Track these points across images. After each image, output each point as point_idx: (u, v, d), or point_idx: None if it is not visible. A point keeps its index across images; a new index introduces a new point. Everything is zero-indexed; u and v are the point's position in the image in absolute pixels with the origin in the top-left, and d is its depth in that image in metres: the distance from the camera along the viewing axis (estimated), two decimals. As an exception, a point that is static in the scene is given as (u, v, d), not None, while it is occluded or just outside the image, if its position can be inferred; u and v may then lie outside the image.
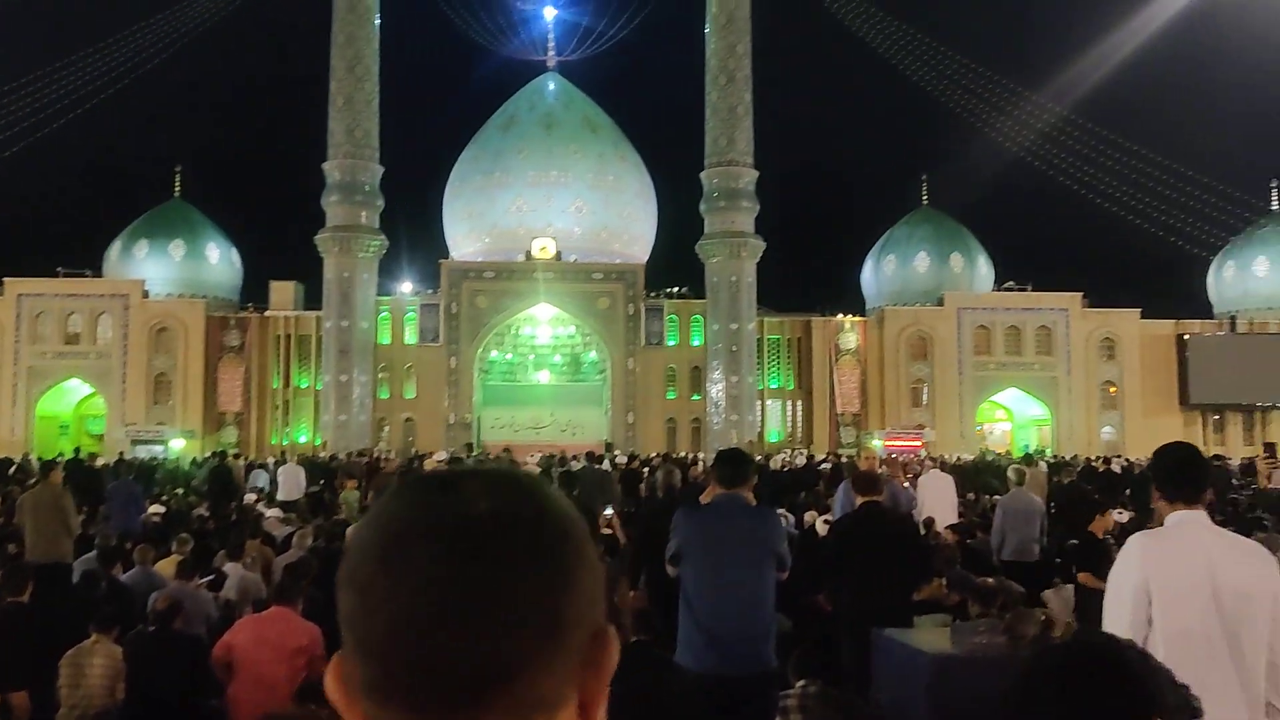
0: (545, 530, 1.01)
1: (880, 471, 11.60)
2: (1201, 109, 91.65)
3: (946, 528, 12.57)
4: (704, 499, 5.56)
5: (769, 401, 56.90)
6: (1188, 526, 3.50)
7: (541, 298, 56.15)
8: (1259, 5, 66.12)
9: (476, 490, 1.02)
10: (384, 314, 55.94)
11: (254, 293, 58.29)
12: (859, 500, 6.87)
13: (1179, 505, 3.53)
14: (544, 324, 59.83)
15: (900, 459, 29.35)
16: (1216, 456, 35.86)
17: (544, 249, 56.99)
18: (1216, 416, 57.59)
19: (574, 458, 27.74)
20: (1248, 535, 9.45)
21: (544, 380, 60.21)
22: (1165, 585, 3.38)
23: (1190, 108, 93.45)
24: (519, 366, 60.65)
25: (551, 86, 65.64)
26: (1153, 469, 3.71)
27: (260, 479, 27.33)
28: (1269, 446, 26.82)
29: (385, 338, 55.67)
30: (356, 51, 53.97)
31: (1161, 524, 3.57)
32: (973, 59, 58.13)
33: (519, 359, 60.65)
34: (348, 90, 53.67)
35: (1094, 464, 28.49)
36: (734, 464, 5.01)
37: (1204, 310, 62.90)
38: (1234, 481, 21.77)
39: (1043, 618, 4.30)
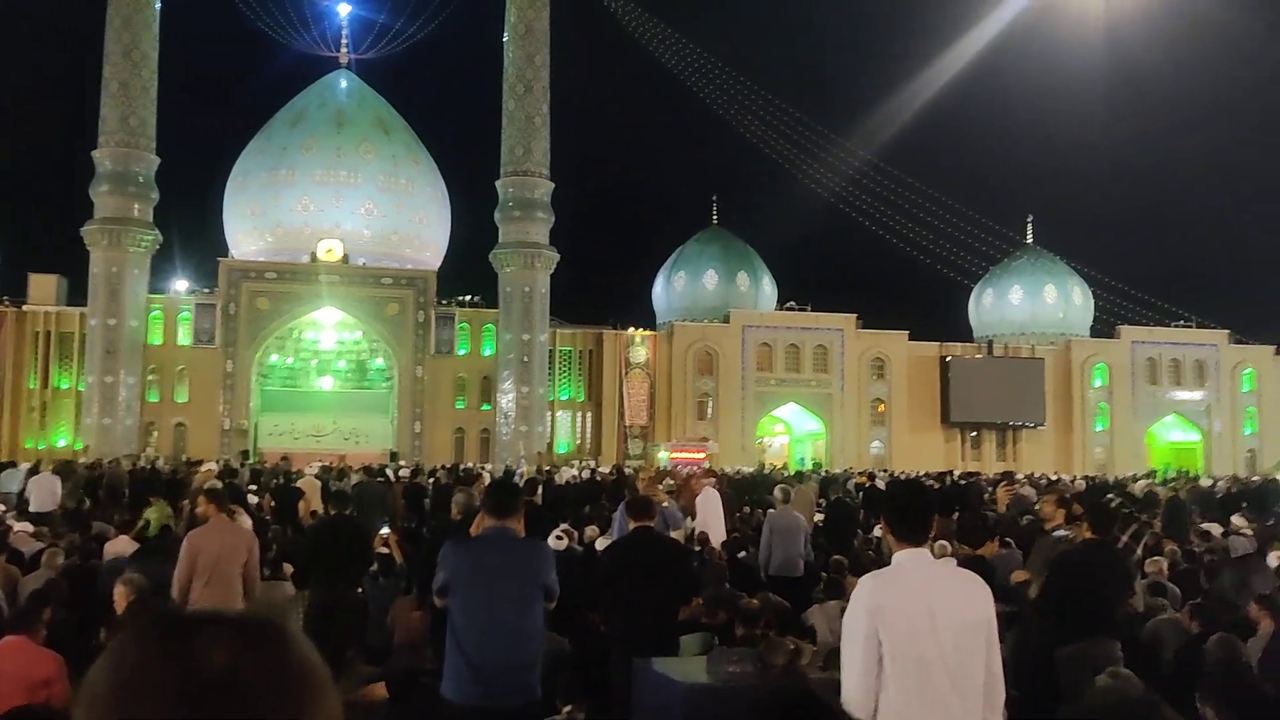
0: (282, 684, 1.01)
1: (661, 494, 11.90)
2: (969, 148, 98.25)
3: (722, 544, 13.01)
4: (473, 530, 5.58)
5: (559, 413, 57.13)
6: (910, 565, 3.76)
7: (326, 301, 54.48)
8: (1023, 58, 71.60)
9: (215, 640, 1.01)
10: (155, 312, 52.89)
11: (11, 285, 53.97)
12: (631, 525, 7.06)
13: (905, 544, 3.80)
14: (329, 328, 58.04)
15: (688, 473, 30.11)
16: (970, 473, 38.46)
17: (330, 251, 55.34)
18: (974, 434, 61.72)
19: (353, 469, 27.01)
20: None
21: (327, 386, 58.37)
22: (893, 625, 3.63)
23: (959, 146, 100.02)
24: (300, 372, 58.53)
25: (344, 84, 63.83)
26: (884, 508, 3.99)
27: (12, 481, 25.18)
28: (1007, 475, 28.81)
29: (156, 338, 52.66)
30: (134, 36, 50.94)
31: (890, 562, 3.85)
32: (765, 88, 60.48)
33: (300, 364, 58.53)
34: (123, 75, 50.58)
35: (871, 481, 29.99)
36: (503, 495, 5.05)
37: (966, 334, 67.41)
38: (985, 497, 23.31)
39: (792, 646, 4.54)
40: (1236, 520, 15.87)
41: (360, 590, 10.04)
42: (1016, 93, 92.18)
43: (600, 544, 11.35)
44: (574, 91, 64.78)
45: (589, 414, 58.11)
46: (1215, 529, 16.10)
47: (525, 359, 53.21)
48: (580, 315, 60.76)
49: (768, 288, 65.18)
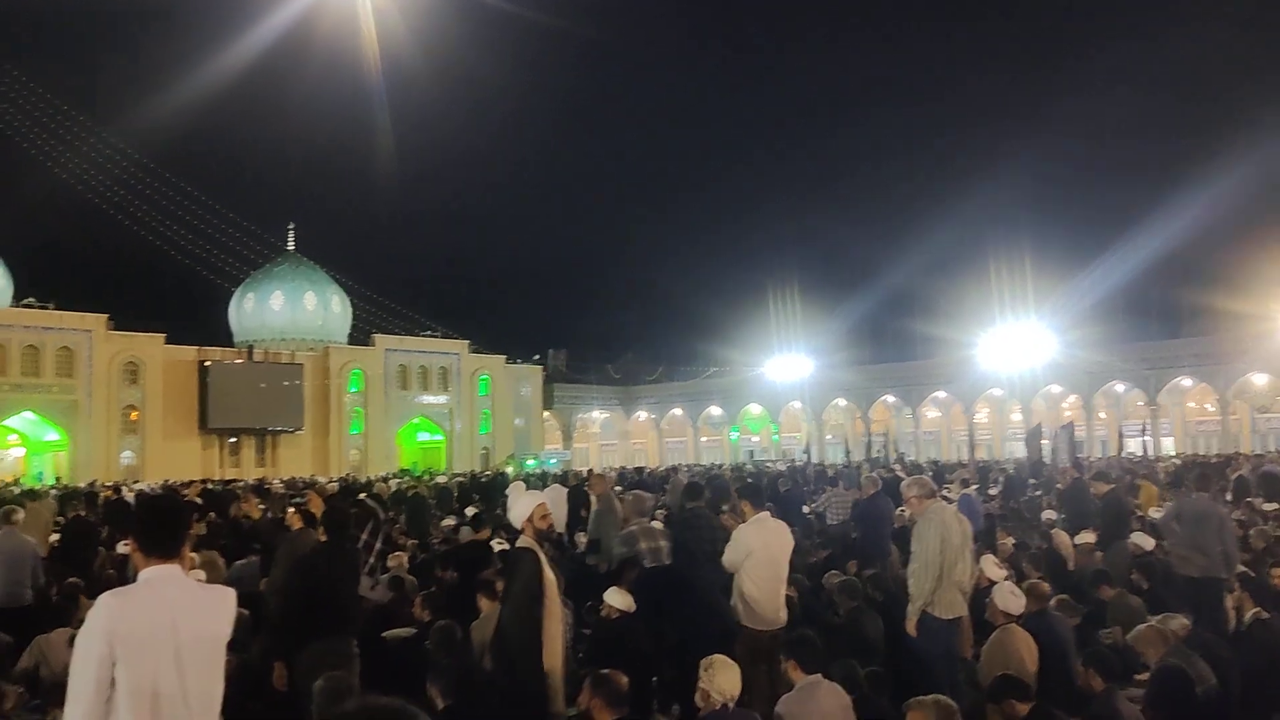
0: None
1: None
2: (234, 153, 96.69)
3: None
4: None
5: None
6: (156, 582, 3.59)
7: None
8: (295, 68, 72.10)
9: None
10: None
11: None
12: None
13: (155, 560, 3.61)
14: None
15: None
16: (228, 480, 37.70)
17: None
18: (233, 440, 60.67)
19: None
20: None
21: None
22: (128, 642, 3.41)
23: (225, 150, 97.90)
24: None
25: None
26: (131, 522, 3.73)
27: None
28: (260, 483, 28.89)
29: None
30: None
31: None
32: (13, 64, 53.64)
33: None
34: None
35: (117, 494, 27.83)
36: None
37: (226, 339, 66.06)
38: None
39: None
40: (468, 511, 17.57)
41: None
42: (284, 103, 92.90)
43: None
44: None
45: None
46: (451, 521, 17.76)
47: None
48: None
49: (2, 280, 57.61)
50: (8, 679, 6.05)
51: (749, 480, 20.61)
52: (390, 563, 11.34)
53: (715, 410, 77.80)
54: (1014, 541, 12.93)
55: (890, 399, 69.95)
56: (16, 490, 33.36)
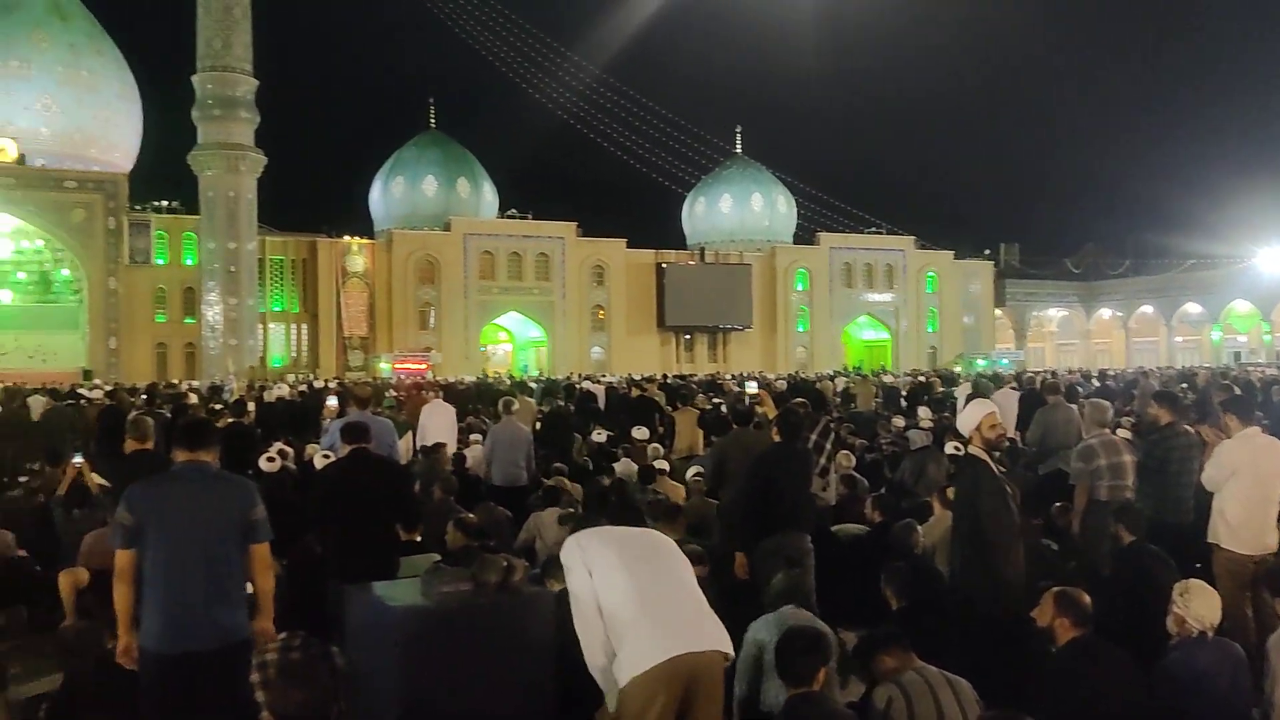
0: None
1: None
2: (684, 59, 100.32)
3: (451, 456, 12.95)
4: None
5: (272, 325, 54.72)
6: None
7: (0, 206, 49.25)
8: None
9: None
10: None
11: None
12: (345, 448, 6.92)
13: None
14: (4, 236, 52.61)
15: (412, 383, 29.70)
16: (682, 375, 40.05)
17: (2, 150, 49.92)
18: (687, 337, 64.24)
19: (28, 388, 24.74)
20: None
21: (5, 300, 53.10)
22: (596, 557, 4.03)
23: (675, 58, 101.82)
24: (-29, 284, 52.96)
25: (9, -38, 56.90)
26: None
27: None
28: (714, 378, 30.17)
29: None
30: None
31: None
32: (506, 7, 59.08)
33: (-28, 275, 52.94)
34: None
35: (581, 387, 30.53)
36: (194, 426, 4.82)
37: (680, 241, 69.65)
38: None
39: (505, 563, 4.64)
40: (922, 412, 17.31)
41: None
42: (728, 11, 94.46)
43: (320, 460, 11.05)
44: (278, -19, 60.90)
45: (305, 326, 56.03)
46: (900, 422, 17.66)
47: (232, 268, 50.30)
48: (292, 222, 58.07)
49: (489, 195, 64.57)
50: (511, 552, 6.91)
51: (1234, 389, 18.52)
52: (841, 462, 11.50)
53: (1193, 308, 70.46)
54: None
55: None
56: (508, 381, 37.80)
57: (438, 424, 13.95)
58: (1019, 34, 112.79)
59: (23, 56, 53.14)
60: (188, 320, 52.16)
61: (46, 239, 51.73)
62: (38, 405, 19.21)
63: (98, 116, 55.31)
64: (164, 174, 56.19)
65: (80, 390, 27.79)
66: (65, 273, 53.01)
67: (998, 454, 6.16)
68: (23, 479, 13.17)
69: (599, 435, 16.08)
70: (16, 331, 50.37)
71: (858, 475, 11.39)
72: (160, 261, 52.60)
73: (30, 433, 17.38)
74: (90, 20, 57.11)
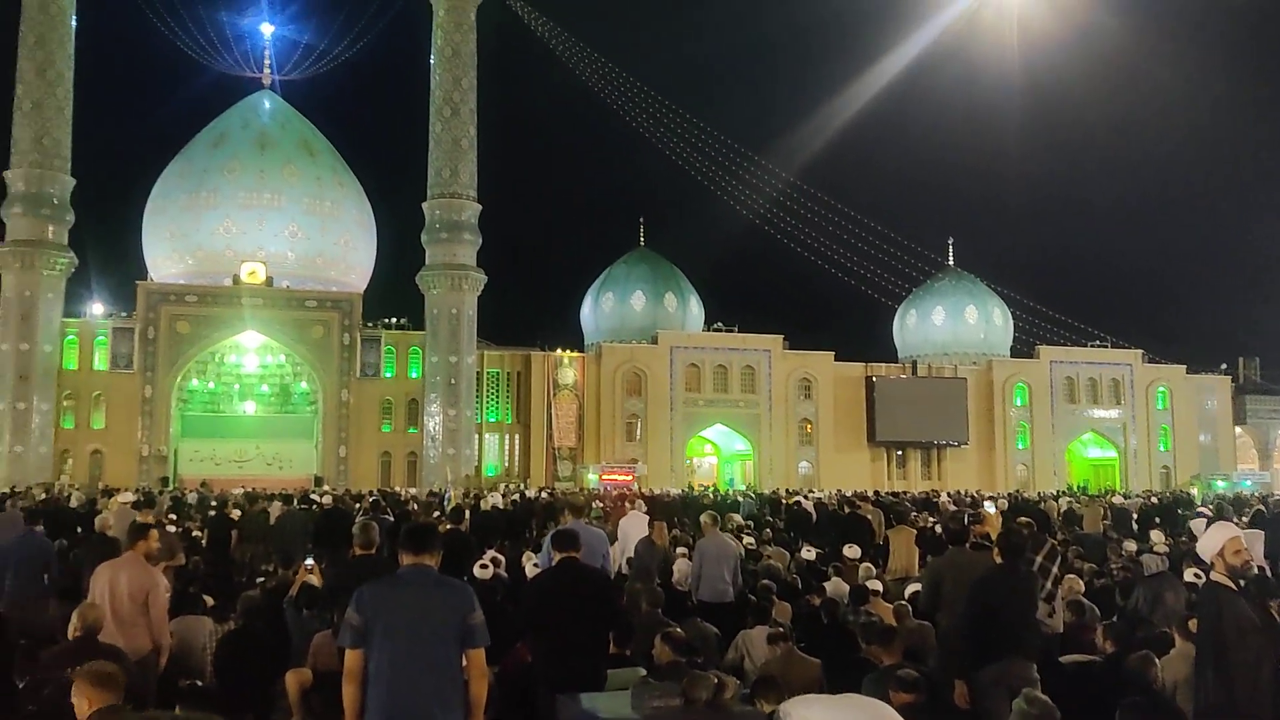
0: None
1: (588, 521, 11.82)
2: (889, 170, 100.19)
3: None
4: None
5: (487, 435, 56.78)
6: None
7: (249, 324, 53.58)
8: (941, 82, 73.18)
9: None
10: (71, 337, 51.62)
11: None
12: (556, 557, 7.02)
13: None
14: (251, 352, 57.08)
15: (618, 494, 30.09)
16: (895, 492, 38.93)
17: (253, 273, 54.51)
18: (899, 452, 62.56)
19: (265, 495, 26.40)
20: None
21: (250, 411, 57.33)
22: None
23: (879, 168, 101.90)
24: (222, 396, 57.44)
25: (267, 105, 63.02)
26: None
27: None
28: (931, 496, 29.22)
29: (71, 363, 51.36)
30: (48, 54, 49.87)
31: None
32: (689, 110, 60.97)
33: (222, 388, 57.45)
34: (36, 95, 49.48)
35: (792, 503, 30.14)
36: (419, 531, 4.99)
37: (890, 354, 68.44)
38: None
39: (714, 680, 4.55)
40: (1155, 536, 16.21)
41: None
42: (935, 116, 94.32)
43: (530, 570, 11.25)
44: (501, 114, 64.83)
45: (517, 435, 57.83)
46: (1131, 546, 16.52)
47: (452, 381, 52.85)
48: (508, 337, 60.64)
49: (695, 308, 65.58)
50: (718, 669, 6.77)
51: None
52: (1069, 586, 10.82)
53: None
54: None
55: None
56: (713, 495, 37.67)
57: (637, 534, 14.03)
58: (1252, 128, 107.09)
59: (275, 189, 58.32)
60: (410, 430, 54.76)
61: (288, 354, 55.77)
62: (275, 510, 20.50)
63: (338, 241, 59.83)
64: (393, 293, 60.03)
65: (312, 495, 29.45)
66: (303, 385, 56.84)
67: (1244, 582, 5.66)
68: (259, 579, 13.97)
69: (808, 552, 15.70)
70: (258, 440, 54.15)
71: (1086, 602, 10.68)
72: (388, 375, 55.71)
73: (269, 536, 18.47)
74: (334, 155, 62.31)
